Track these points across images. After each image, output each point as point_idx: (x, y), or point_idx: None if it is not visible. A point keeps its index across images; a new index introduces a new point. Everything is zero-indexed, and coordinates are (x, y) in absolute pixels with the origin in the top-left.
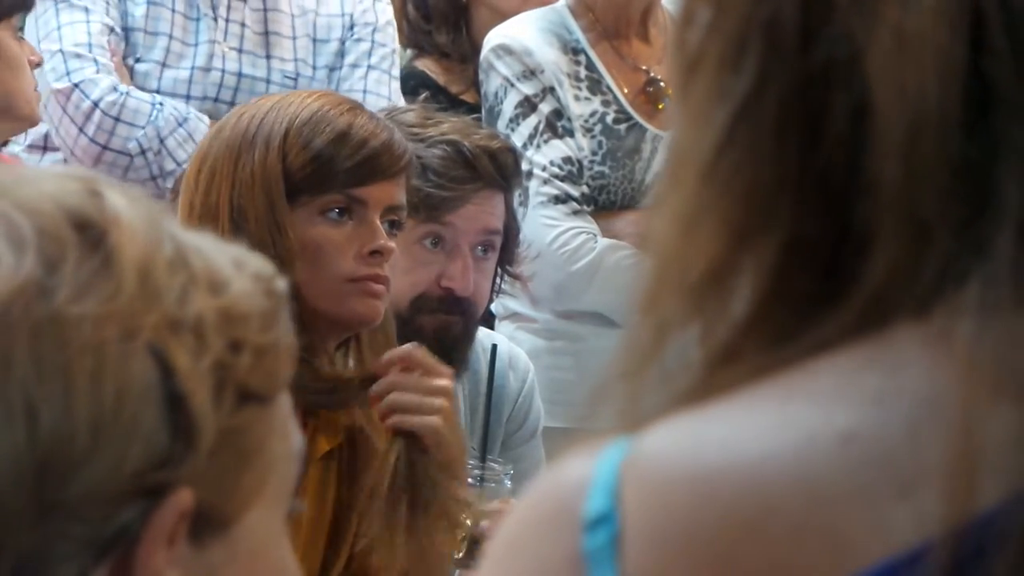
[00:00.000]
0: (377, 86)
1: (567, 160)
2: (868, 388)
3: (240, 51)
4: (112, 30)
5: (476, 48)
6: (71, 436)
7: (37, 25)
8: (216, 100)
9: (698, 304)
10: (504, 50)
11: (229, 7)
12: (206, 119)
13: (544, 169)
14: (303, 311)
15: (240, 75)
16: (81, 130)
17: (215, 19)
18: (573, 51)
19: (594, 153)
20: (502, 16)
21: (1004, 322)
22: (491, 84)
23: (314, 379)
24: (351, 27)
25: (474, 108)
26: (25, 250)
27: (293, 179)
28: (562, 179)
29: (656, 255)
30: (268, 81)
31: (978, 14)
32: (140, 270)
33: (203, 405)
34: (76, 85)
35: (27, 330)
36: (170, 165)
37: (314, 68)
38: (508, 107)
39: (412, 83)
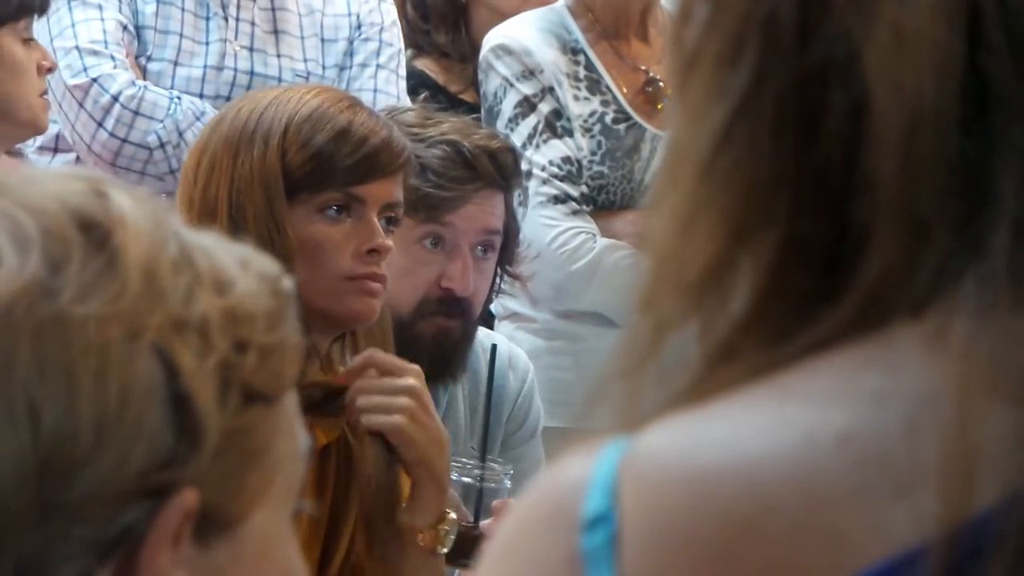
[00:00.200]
0: (386, 85)
1: (566, 160)
2: (866, 388)
3: (251, 50)
4: (125, 28)
5: (475, 48)
6: (74, 436)
7: (50, 24)
8: (229, 98)
9: (696, 302)
10: (503, 50)
11: (239, 6)
12: None
13: (543, 169)
14: (300, 309)
15: (252, 74)
16: (100, 125)
17: (225, 18)
18: (572, 51)
19: (593, 153)
20: (501, 16)
21: (1001, 321)
22: (490, 84)
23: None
24: (358, 27)
25: (473, 107)
26: (29, 250)
27: (292, 176)
28: (561, 179)
29: (654, 253)
30: (280, 80)
31: (976, 11)
32: (145, 270)
33: (208, 405)
34: (95, 80)
35: (30, 330)
36: None
37: (324, 67)
38: (507, 107)
39: (411, 83)
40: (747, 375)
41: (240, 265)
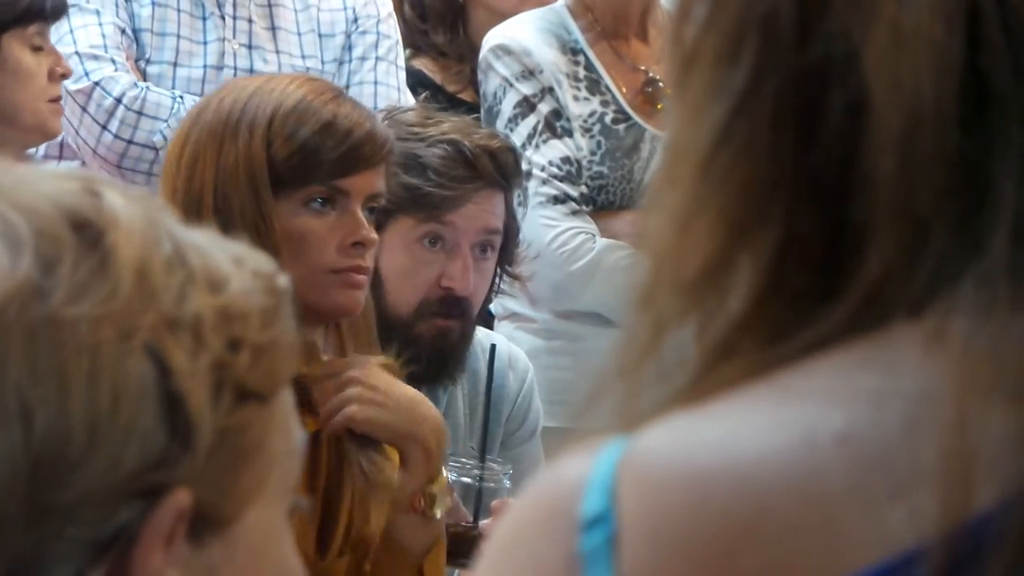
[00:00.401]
0: (386, 77)
1: (566, 160)
2: (864, 388)
3: (250, 47)
4: (123, 31)
5: (473, 47)
6: (67, 437)
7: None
8: None
9: (695, 300)
10: (503, 50)
11: (235, 4)
12: None
13: (543, 169)
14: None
15: (252, 71)
16: (104, 128)
17: (222, 17)
18: (572, 51)
19: (593, 153)
20: (499, 16)
21: (1000, 321)
22: (490, 84)
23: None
24: (355, 20)
25: (472, 107)
26: (22, 251)
27: (277, 169)
28: (561, 179)
29: (652, 252)
30: None
31: (975, 10)
32: (137, 270)
33: (201, 405)
34: (97, 83)
35: (23, 331)
36: None
37: (323, 62)
38: (507, 107)
39: (409, 82)
40: (745, 374)
41: (234, 263)
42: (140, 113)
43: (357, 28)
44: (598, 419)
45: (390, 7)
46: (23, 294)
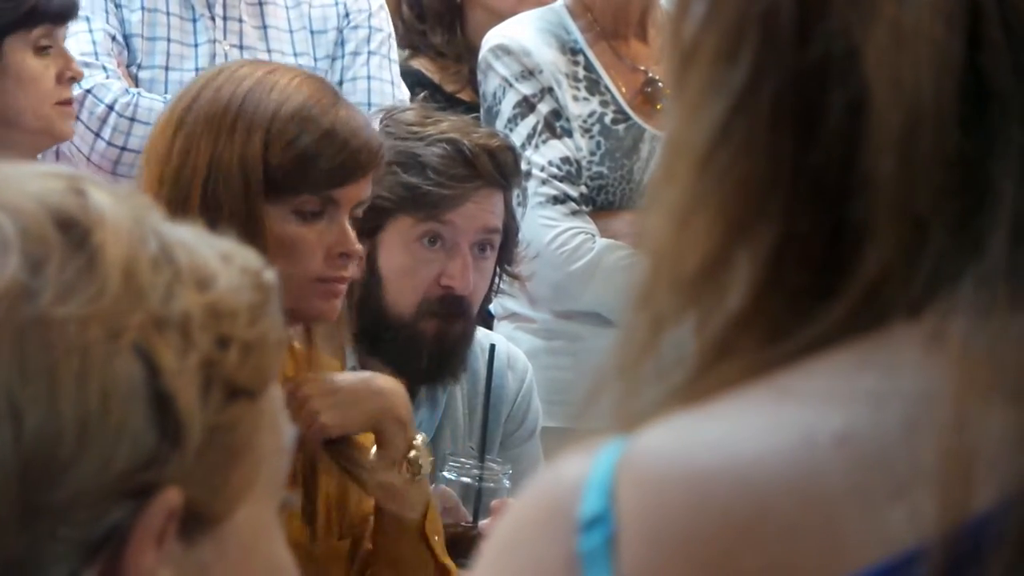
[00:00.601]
0: (380, 71)
1: (565, 160)
2: (863, 388)
3: (241, 48)
4: (114, 38)
5: (471, 47)
6: (57, 438)
7: None
8: None
9: (693, 297)
10: (502, 50)
11: (225, 5)
12: None
13: (542, 169)
14: None
15: None
16: (97, 135)
17: (212, 18)
18: (571, 51)
19: (592, 153)
20: (497, 16)
21: (999, 321)
22: (489, 84)
23: None
24: (346, 15)
25: (470, 107)
26: (8, 251)
27: (271, 173)
28: (560, 179)
29: (651, 249)
30: None
31: (975, 9)
32: (124, 269)
33: (190, 403)
34: (88, 91)
35: (11, 332)
36: None
37: (315, 59)
38: (506, 107)
39: (407, 82)
40: (744, 373)
41: (222, 260)
42: (133, 119)
43: (349, 23)
44: (597, 419)
45: (381, 0)
46: (11, 295)
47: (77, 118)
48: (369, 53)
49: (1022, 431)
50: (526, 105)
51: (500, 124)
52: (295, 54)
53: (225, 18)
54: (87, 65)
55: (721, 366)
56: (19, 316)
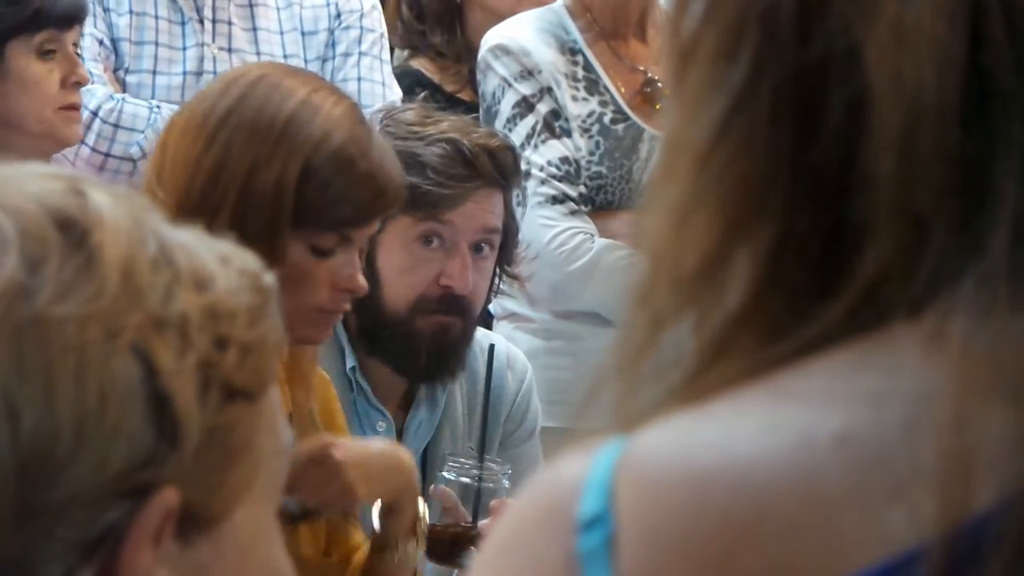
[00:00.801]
0: (370, 72)
1: (564, 160)
2: (863, 389)
3: (229, 51)
4: (101, 42)
5: (471, 47)
6: (54, 438)
7: None
8: None
9: (692, 295)
10: (502, 50)
11: (214, 7)
12: None
13: (542, 169)
14: None
15: None
16: (82, 141)
17: (200, 21)
18: (571, 51)
19: (591, 153)
20: (496, 16)
21: (1000, 321)
22: (489, 84)
23: None
24: (337, 16)
25: (470, 107)
26: (7, 250)
27: (299, 206)
28: (559, 179)
29: (650, 247)
30: None
31: (977, 7)
32: (123, 269)
33: (188, 404)
34: None
35: (9, 331)
36: None
37: (305, 61)
38: (505, 107)
39: (407, 82)
40: (743, 372)
41: (221, 261)
42: (117, 126)
43: (340, 24)
44: (596, 419)
45: (374, 0)
46: (9, 294)
47: None
48: (360, 54)
49: (1022, 431)
50: (525, 105)
51: (499, 124)
52: (285, 56)
53: (214, 21)
54: None
55: (720, 365)
56: (16, 315)
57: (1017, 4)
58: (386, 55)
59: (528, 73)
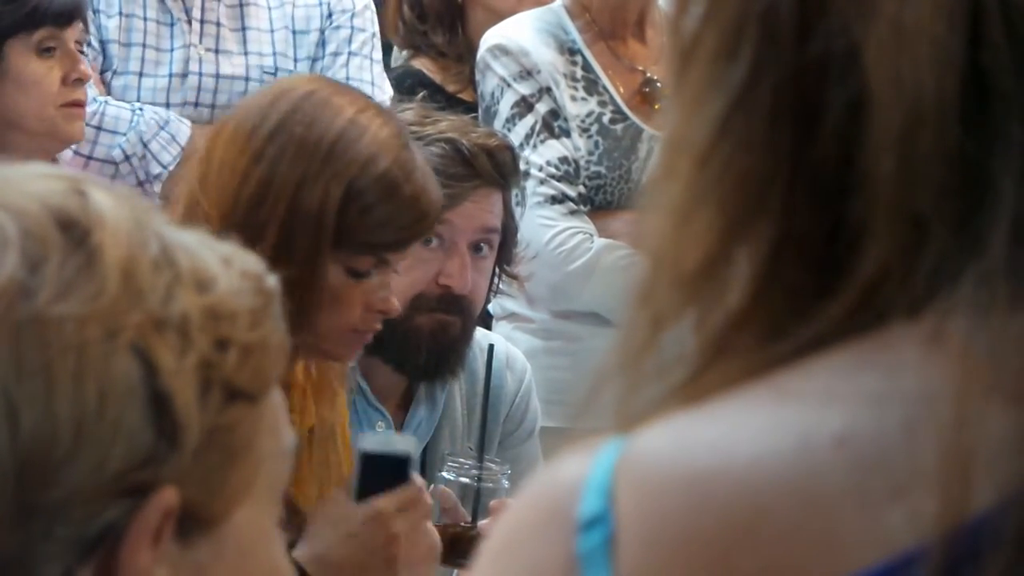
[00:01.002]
0: (359, 72)
1: (563, 160)
2: (863, 389)
3: (216, 51)
4: (89, 44)
5: (472, 47)
6: (53, 437)
7: None
8: (196, 104)
9: (693, 294)
10: (501, 50)
11: (203, 8)
12: (187, 122)
13: (541, 169)
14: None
15: (218, 76)
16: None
17: (188, 22)
18: (570, 51)
19: (591, 153)
20: (497, 16)
21: (999, 321)
22: (488, 84)
23: None
24: (329, 15)
25: (471, 107)
26: (8, 249)
27: (340, 228)
28: (559, 179)
29: (651, 246)
30: (247, 79)
31: (977, 7)
32: (124, 269)
33: (188, 404)
34: None
35: (8, 330)
36: (156, 169)
37: (295, 60)
38: (504, 107)
39: (409, 82)
40: (743, 372)
41: (223, 263)
42: (99, 128)
43: (331, 23)
44: (596, 419)
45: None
46: (9, 293)
47: None
48: (350, 54)
49: (1022, 431)
50: (524, 105)
51: (498, 124)
52: (274, 54)
53: (202, 22)
54: None
55: (720, 365)
56: (16, 314)
57: (1016, 4)
58: (377, 55)
59: (527, 73)
